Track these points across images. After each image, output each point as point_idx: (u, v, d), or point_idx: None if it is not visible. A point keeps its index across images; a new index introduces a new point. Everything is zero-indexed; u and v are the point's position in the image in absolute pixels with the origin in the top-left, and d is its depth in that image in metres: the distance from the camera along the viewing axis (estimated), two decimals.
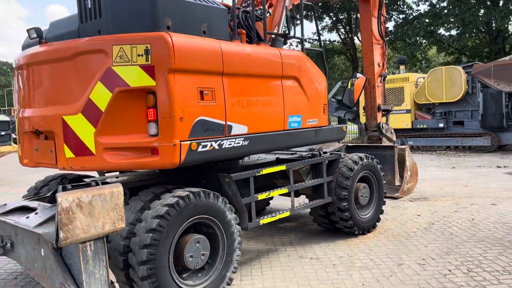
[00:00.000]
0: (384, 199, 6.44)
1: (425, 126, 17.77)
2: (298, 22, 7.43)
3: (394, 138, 9.13)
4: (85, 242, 3.20)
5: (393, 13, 29.46)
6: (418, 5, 29.49)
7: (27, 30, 4.15)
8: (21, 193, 5.70)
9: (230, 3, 4.61)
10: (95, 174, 5.35)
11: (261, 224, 4.75)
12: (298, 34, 5.54)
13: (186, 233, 3.94)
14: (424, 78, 18.06)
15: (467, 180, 10.29)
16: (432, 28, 26.14)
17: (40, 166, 4.38)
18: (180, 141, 3.74)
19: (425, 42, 27.77)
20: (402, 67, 20.07)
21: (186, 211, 3.80)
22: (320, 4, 26.49)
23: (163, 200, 3.81)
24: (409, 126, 17.98)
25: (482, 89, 16.26)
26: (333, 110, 17.07)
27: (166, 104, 3.66)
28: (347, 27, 32.67)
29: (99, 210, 3.22)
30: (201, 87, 3.92)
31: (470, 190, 9.03)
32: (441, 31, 27.72)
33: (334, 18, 31.41)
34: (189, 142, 3.80)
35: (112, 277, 3.37)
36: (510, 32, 27.82)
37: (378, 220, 6.31)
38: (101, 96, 3.69)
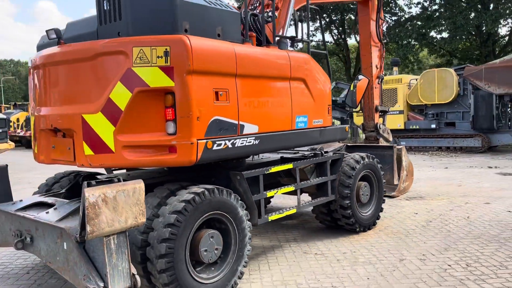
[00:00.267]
0: (384, 198, 6.65)
1: (417, 127, 18.09)
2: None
3: (391, 139, 9.36)
4: (109, 235, 3.34)
5: (386, 15, 29.81)
6: (410, 8, 29.90)
7: (47, 31, 4.27)
8: (17, 190, 5.79)
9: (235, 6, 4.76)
10: (102, 171, 5.48)
11: (269, 220, 4.91)
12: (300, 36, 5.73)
13: (201, 228, 4.09)
14: (416, 80, 18.38)
15: (460, 180, 10.56)
16: (424, 30, 26.53)
17: (56, 163, 4.50)
18: (197, 140, 3.89)
19: (417, 44, 28.17)
20: (395, 68, 20.38)
21: (201, 207, 3.95)
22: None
23: (179, 196, 3.96)
24: (402, 127, 18.28)
25: (473, 91, 16.62)
26: None
27: (184, 104, 3.81)
28: (340, 28, 32.98)
29: (123, 205, 3.36)
30: (216, 88, 4.08)
31: (464, 190, 9.29)
32: (433, 33, 28.15)
33: (327, 19, 31.67)
34: (205, 140, 3.95)
35: (133, 269, 3.51)
36: (499, 35, 28.32)
37: (378, 217, 6.52)
38: (121, 95, 3.82)
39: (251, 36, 4.77)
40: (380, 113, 9.18)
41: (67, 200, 4.36)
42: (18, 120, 30.03)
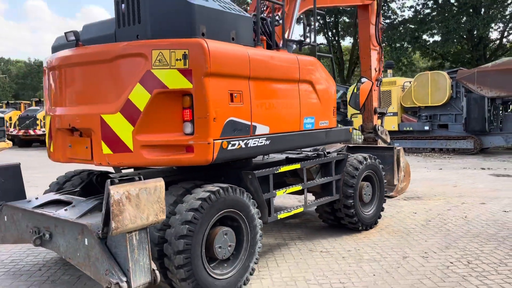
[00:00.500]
0: (384, 197, 6.83)
1: (411, 129, 18.37)
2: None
3: (388, 140, 9.57)
4: (132, 232, 3.46)
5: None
6: (403, 11, 30.27)
7: (65, 33, 4.37)
8: None
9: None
10: (109, 170, 5.59)
11: (278, 218, 5.06)
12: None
13: (215, 226, 4.22)
14: (410, 82, 18.67)
15: (455, 181, 10.80)
16: (417, 33, 26.90)
17: (72, 162, 4.60)
18: (214, 140, 4.03)
19: (410, 47, 28.55)
20: (389, 71, 20.63)
21: (217, 204, 4.09)
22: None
23: (195, 194, 4.09)
24: (396, 129, 18.54)
25: (466, 94, 16.94)
26: None
27: (202, 105, 3.94)
28: (333, 30, 33.27)
29: (145, 203, 3.48)
30: (231, 89, 4.22)
31: (459, 190, 9.52)
32: (425, 37, 28.55)
33: (321, 21, 31.92)
34: (220, 141, 4.09)
35: (153, 265, 3.63)
36: (490, 39, 28.80)
37: (379, 217, 6.70)
38: (140, 96, 3.94)
39: (262, 39, 4.92)
40: (378, 115, 9.38)
41: (84, 198, 4.47)
42: (10, 119, 29.85)
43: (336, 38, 33.28)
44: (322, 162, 5.84)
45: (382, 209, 6.80)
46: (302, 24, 6.06)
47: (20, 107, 35.54)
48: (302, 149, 6.57)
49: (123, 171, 5.58)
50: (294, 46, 5.93)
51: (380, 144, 9.23)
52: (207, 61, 3.93)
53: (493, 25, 26.56)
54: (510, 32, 29.40)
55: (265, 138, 4.63)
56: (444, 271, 4.79)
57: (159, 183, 3.58)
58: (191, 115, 3.97)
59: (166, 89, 3.93)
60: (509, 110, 18.24)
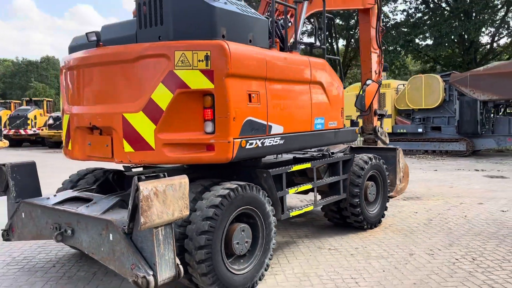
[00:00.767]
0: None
1: (404, 131, 18.65)
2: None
3: (388, 141, 9.75)
4: (158, 227, 3.57)
5: None
6: (395, 15, 30.65)
7: (87, 33, 4.45)
8: None
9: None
10: (117, 166, 5.67)
11: (291, 216, 5.20)
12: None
13: (233, 223, 4.34)
14: (404, 85, 18.96)
15: (451, 182, 11.03)
16: (410, 37, 27.28)
17: (91, 160, 4.68)
18: (233, 139, 4.15)
19: (403, 50, 28.91)
20: (383, 73, 20.88)
21: (235, 201, 4.21)
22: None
23: (215, 191, 4.20)
24: (390, 131, 18.77)
25: (459, 97, 17.25)
26: None
27: (223, 105, 4.06)
28: (327, 33, 33.52)
29: (170, 199, 3.59)
30: (249, 90, 4.35)
31: (456, 191, 9.74)
32: (417, 40, 28.93)
33: (316, 24, 32.18)
34: (240, 139, 4.22)
35: (177, 260, 3.74)
36: (481, 43, 29.30)
37: (383, 216, 6.87)
38: (162, 96, 4.05)
39: (276, 42, 5.05)
40: (378, 117, 9.55)
41: (103, 195, 4.56)
42: (0, 118, 29.58)
43: (330, 40, 33.53)
44: (330, 161, 5.99)
45: (386, 208, 6.97)
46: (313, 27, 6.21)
47: (10, 107, 35.31)
48: (307, 149, 6.72)
49: (134, 169, 5.70)
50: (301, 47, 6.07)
51: (380, 145, 9.41)
52: (228, 62, 4.06)
53: (484, 29, 27.04)
54: (501, 36, 29.96)
55: (279, 138, 4.77)
56: (450, 267, 4.96)
57: (184, 179, 3.69)
58: (212, 114, 4.09)
59: (188, 89, 4.05)
60: (500, 113, 18.61)
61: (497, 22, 28.36)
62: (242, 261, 4.46)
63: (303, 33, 34.17)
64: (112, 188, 5.21)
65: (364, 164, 6.33)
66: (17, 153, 22.53)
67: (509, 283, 4.47)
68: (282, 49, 5.27)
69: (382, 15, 31.08)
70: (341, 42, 32.00)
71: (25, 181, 4.98)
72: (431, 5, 29.54)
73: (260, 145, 4.49)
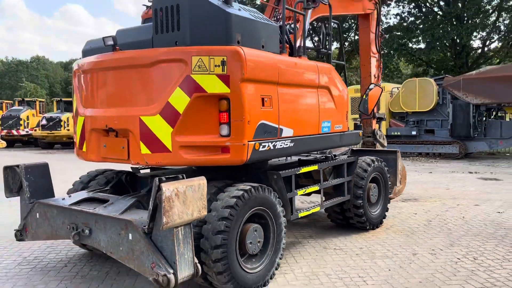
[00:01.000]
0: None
1: (398, 134, 18.92)
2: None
3: (386, 144, 9.93)
4: (178, 227, 3.69)
5: None
6: (390, 18, 31.00)
7: (103, 38, 4.55)
8: None
9: None
10: (125, 167, 5.77)
11: (299, 216, 5.35)
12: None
13: (246, 223, 4.47)
14: (398, 88, 19.23)
15: (446, 184, 11.26)
16: (404, 41, 27.63)
17: (106, 161, 4.78)
18: (248, 141, 4.28)
19: (396, 54, 29.26)
20: None
21: (249, 202, 4.34)
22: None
23: (229, 192, 4.33)
24: (384, 133, 18.99)
25: (452, 100, 17.55)
26: None
27: (238, 109, 4.20)
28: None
29: (190, 199, 3.71)
30: (263, 94, 4.49)
31: (452, 193, 9.96)
32: (411, 44, 29.29)
33: (310, 27, 32.42)
34: (253, 142, 4.35)
35: (195, 259, 3.86)
36: (472, 48, 29.74)
37: (384, 217, 7.04)
38: (179, 100, 4.17)
39: (286, 47, 5.19)
40: (376, 120, 9.74)
41: (119, 196, 4.67)
42: None
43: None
44: (336, 164, 6.15)
45: (387, 210, 7.14)
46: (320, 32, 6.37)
47: (2, 107, 35.06)
48: (311, 152, 6.88)
49: (142, 171, 5.80)
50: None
51: (379, 148, 9.59)
52: (244, 68, 4.19)
53: (475, 33, 27.47)
54: (492, 40, 30.47)
55: (289, 141, 4.91)
56: (453, 266, 5.14)
57: (202, 181, 3.82)
58: (227, 118, 4.21)
59: (204, 93, 4.17)
60: (492, 117, 18.96)
61: (489, 27, 28.84)
62: (254, 260, 4.59)
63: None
64: (124, 189, 5.31)
65: (367, 166, 6.50)
66: (11, 153, 22.42)
67: (511, 281, 4.65)
68: (291, 54, 5.41)
69: None
70: (335, 45, 32.21)
71: (38, 182, 5.07)
72: (424, 10, 29.96)
73: (272, 147, 4.63)
